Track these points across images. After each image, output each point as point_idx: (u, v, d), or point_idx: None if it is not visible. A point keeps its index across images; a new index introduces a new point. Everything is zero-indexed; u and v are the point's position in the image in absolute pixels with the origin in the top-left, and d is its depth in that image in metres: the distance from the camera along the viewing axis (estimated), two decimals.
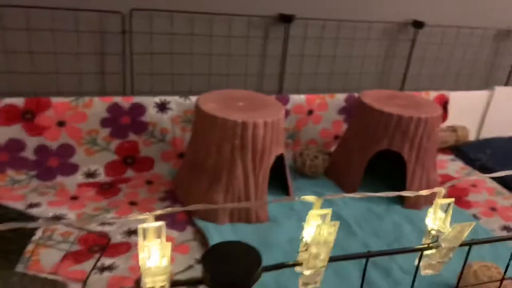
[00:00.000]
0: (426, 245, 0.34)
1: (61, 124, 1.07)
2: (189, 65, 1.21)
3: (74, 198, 1.02)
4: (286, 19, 1.22)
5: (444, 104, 1.49)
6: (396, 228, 1.02)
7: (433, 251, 0.34)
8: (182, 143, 1.20)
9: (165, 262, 0.29)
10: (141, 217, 0.31)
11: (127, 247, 0.87)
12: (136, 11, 1.09)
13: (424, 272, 0.34)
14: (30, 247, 0.79)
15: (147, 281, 0.29)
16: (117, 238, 0.89)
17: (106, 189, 1.07)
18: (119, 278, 0.79)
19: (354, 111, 1.25)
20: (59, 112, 1.07)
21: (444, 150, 1.46)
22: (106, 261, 0.82)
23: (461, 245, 0.35)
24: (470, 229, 0.33)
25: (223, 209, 0.99)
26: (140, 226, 0.30)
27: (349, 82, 1.41)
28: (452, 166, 1.39)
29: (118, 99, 1.12)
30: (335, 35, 1.32)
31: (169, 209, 0.31)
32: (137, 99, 1.13)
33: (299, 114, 1.31)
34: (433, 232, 0.34)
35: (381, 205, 1.12)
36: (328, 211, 0.30)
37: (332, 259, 0.32)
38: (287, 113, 1.27)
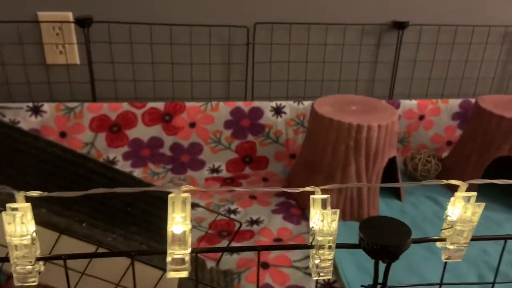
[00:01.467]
0: None
1: (192, 125, 1.23)
2: (303, 72, 1.30)
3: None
4: (399, 26, 1.25)
5: None
6: None
7: None
8: (294, 144, 1.29)
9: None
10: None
11: (251, 234, 0.97)
12: (260, 25, 1.21)
13: None
14: None
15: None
16: (242, 226, 1.00)
17: (229, 183, 1.20)
18: (246, 260, 0.89)
19: (470, 116, 1.22)
20: (191, 114, 1.23)
21: None
22: (235, 245, 0.94)
23: None
24: None
25: (336, 208, 1.05)
26: None
27: (464, 87, 1.38)
28: None
29: (240, 104, 1.25)
30: (450, 40, 1.31)
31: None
32: (256, 103, 1.25)
33: (410, 119, 1.32)
34: None
35: (500, 213, 1.08)
36: (473, 193, 0.35)
37: (473, 239, 0.37)
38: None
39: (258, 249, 0.36)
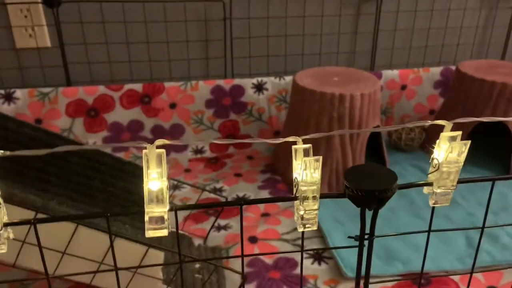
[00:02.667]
0: None
1: (172, 106, 1.21)
2: (283, 46, 1.28)
3: (187, 170, 1.14)
4: None
5: None
6: (502, 198, 1.00)
7: None
8: (277, 121, 1.28)
9: None
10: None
11: (237, 210, 0.96)
12: None
13: None
14: None
15: None
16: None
17: (213, 163, 1.18)
18: (233, 235, 0.88)
19: (452, 83, 1.22)
20: (171, 95, 1.20)
21: None
22: (222, 222, 0.92)
23: None
24: None
25: (322, 180, 1.04)
26: None
27: (445, 55, 1.38)
28: None
29: (220, 82, 1.22)
30: (429, 7, 1.30)
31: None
32: (236, 81, 1.23)
33: (392, 90, 1.31)
34: None
35: (485, 176, 1.09)
36: (458, 133, 0.34)
37: (460, 181, 0.36)
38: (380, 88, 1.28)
39: (241, 203, 0.34)
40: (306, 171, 0.34)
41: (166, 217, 0.33)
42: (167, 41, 1.20)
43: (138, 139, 1.21)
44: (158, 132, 1.22)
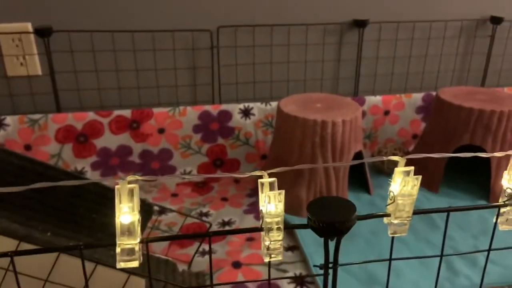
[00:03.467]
0: (503, 203, 0.39)
1: (161, 131, 1.23)
2: (269, 73, 1.31)
3: (174, 195, 1.16)
4: (360, 24, 1.29)
5: None
6: (482, 222, 1.02)
7: (509, 208, 0.38)
8: (264, 145, 1.30)
9: None
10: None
11: (222, 236, 0.97)
12: (223, 28, 1.22)
13: (502, 227, 0.39)
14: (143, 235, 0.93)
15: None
16: (213, 228, 1.00)
17: (200, 187, 1.19)
18: (218, 260, 0.89)
19: (432, 109, 1.26)
20: (159, 120, 1.22)
21: None
22: (206, 246, 0.93)
23: None
24: None
25: (307, 204, 1.07)
26: None
27: (426, 81, 1.42)
28: None
29: (208, 107, 1.25)
30: (409, 36, 1.35)
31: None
32: (224, 106, 1.26)
33: (376, 115, 1.35)
34: (509, 191, 0.39)
35: (465, 200, 1.12)
36: (411, 168, 0.36)
37: (415, 212, 0.38)
38: (363, 114, 1.32)
39: (209, 235, 0.36)
40: (270, 203, 0.36)
41: (137, 248, 0.35)
42: (156, 69, 1.24)
43: (126, 164, 1.23)
44: (146, 156, 1.24)
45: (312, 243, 0.93)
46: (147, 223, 0.88)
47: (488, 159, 1.10)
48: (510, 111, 1.07)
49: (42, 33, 1.11)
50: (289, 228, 0.37)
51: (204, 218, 1.03)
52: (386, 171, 1.23)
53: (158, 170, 1.24)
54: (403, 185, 0.36)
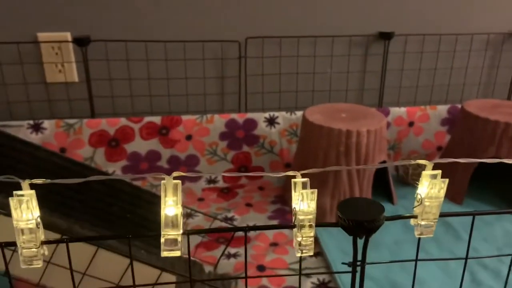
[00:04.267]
0: None
1: (188, 138, 1.27)
2: (294, 83, 1.34)
3: (200, 199, 1.19)
4: (385, 36, 1.31)
5: None
6: (507, 234, 1.01)
7: None
8: (288, 153, 1.33)
9: None
10: None
11: (247, 239, 1.00)
12: (251, 39, 1.26)
13: None
14: None
15: None
16: (238, 232, 1.03)
17: (226, 193, 1.22)
18: (243, 263, 0.92)
19: (458, 121, 1.26)
20: (187, 127, 1.27)
21: None
22: (232, 250, 0.96)
23: None
24: None
25: (331, 212, 1.08)
26: None
27: (452, 94, 1.42)
28: None
29: (234, 116, 1.29)
30: (435, 49, 1.36)
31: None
32: (250, 115, 1.29)
33: (400, 126, 1.36)
34: None
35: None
36: (438, 171, 0.38)
37: (441, 215, 0.40)
38: (387, 125, 1.33)
39: (245, 229, 0.39)
40: (303, 202, 0.38)
41: (179, 239, 0.38)
42: (186, 77, 1.28)
43: (155, 168, 1.27)
44: (174, 162, 1.28)
45: (335, 249, 0.94)
46: None
47: None
48: None
49: (81, 42, 1.18)
50: (320, 226, 0.39)
51: (229, 222, 1.06)
52: (410, 182, 1.23)
53: (184, 175, 1.27)
54: (430, 187, 0.38)
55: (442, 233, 1.02)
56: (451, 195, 1.18)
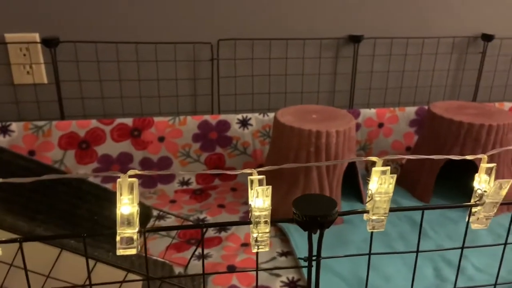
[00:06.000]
0: (474, 203, 0.42)
1: (161, 139, 1.27)
2: (267, 85, 1.36)
3: (172, 201, 1.19)
4: (355, 39, 1.33)
5: None
6: (471, 232, 1.04)
7: (479, 207, 0.41)
8: (261, 154, 1.34)
9: None
10: None
11: (218, 240, 1.00)
12: (223, 41, 1.27)
13: (474, 226, 0.42)
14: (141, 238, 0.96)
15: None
16: (210, 233, 1.03)
17: (198, 195, 1.23)
18: (213, 264, 0.92)
19: (425, 122, 1.30)
20: (160, 129, 1.26)
21: None
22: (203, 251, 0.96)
23: None
24: (509, 185, 0.40)
25: None
26: None
27: (419, 95, 1.46)
28: None
29: (207, 117, 1.29)
30: (403, 52, 1.40)
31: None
32: (223, 116, 1.30)
33: (370, 127, 1.39)
34: (479, 192, 0.42)
35: (456, 211, 1.15)
36: (387, 168, 0.40)
37: (391, 210, 0.41)
38: (358, 126, 1.36)
39: (202, 226, 0.39)
40: (258, 198, 0.39)
41: (135, 237, 0.38)
42: (158, 79, 1.28)
43: (127, 170, 1.25)
44: (146, 164, 1.27)
45: (305, 249, 0.96)
46: (146, 226, 0.91)
47: (477, 172, 1.13)
48: (499, 125, 1.11)
49: (49, 43, 1.16)
50: (275, 222, 0.40)
51: (201, 223, 1.06)
52: None
53: (157, 177, 1.27)
54: (380, 183, 0.39)
55: (409, 232, 1.05)
56: (418, 194, 1.22)
